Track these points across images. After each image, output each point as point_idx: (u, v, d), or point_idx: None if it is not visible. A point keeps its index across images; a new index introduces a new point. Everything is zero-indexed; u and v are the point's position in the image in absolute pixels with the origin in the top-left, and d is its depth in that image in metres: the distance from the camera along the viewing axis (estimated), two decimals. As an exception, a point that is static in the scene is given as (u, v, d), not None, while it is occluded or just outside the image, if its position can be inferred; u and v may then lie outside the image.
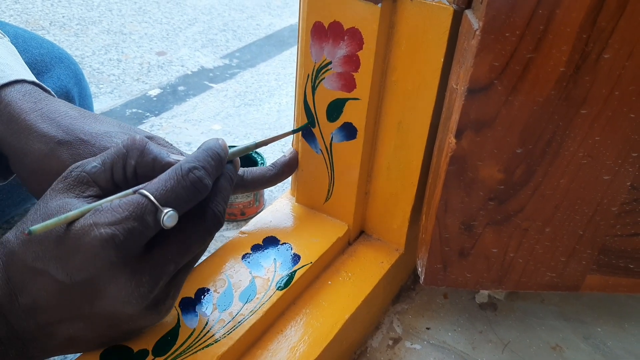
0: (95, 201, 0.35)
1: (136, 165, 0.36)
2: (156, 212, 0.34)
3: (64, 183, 0.35)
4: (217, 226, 0.37)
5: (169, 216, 0.34)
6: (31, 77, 0.44)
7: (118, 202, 0.34)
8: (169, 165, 0.37)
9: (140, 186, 0.35)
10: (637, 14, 0.34)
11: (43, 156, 0.39)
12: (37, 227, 0.32)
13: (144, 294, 0.34)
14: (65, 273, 0.33)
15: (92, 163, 0.36)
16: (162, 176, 0.35)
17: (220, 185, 0.38)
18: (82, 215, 0.33)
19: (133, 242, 0.33)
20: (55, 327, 0.36)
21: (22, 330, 0.35)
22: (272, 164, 0.52)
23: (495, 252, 0.46)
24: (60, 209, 0.34)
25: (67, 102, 0.44)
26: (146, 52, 1.23)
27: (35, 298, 0.34)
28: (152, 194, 0.33)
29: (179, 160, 0.37)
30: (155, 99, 1.05)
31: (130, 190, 0.35)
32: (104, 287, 0.34)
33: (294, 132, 0.51)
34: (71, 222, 0.33)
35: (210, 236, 0.38)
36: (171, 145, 0.44)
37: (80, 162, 0.36)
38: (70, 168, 0.36)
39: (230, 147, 0.41)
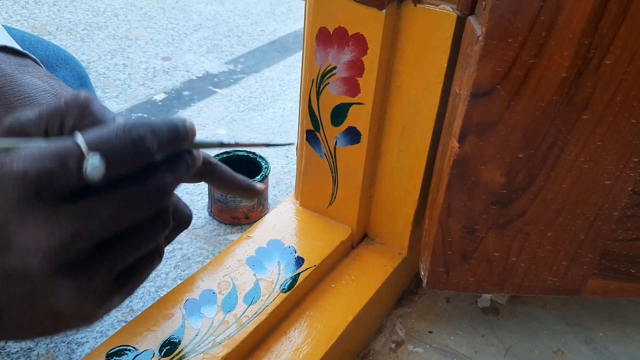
0: None
1: (74, 125, 0.33)
2: (82, 159, 0.29)
3: None
4: (158, 195, 0.32)
5: (92, 164, 0.29)
6: (6, 41, 0.41)
7: (45, 142, 0.29)
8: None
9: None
10: (638, 21, 0.34)
11: None
12: None
13: (54, 249, 0.29)
14: None
15: (28, 114, 0.32)
16: (101, 127, 0.30)
17: (172, 160, 0.33)
18: (2, 150, 0.30)
19: (48, 184, 0.29)
20: None
21: None
22: (245, 179, 0.48)
23: (497, 256, 0.47)
24: None
25: (36, 77, 0.40)
26: (152, 57, 1.24)
27: None
28: (84, 140, 0.29)
29: None
30: (160, 103, 1.06)
31: (67, 137, 0.30)
32: (12, 233, 0.29)
33: (268, 145, 0.48)
34: None
35: (149, 205, 0.32)
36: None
37: (17, 114, 0.33)
38: (6, 118, 0.33)
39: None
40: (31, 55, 0.41)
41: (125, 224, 0.32)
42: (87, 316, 0.34)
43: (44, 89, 0.39)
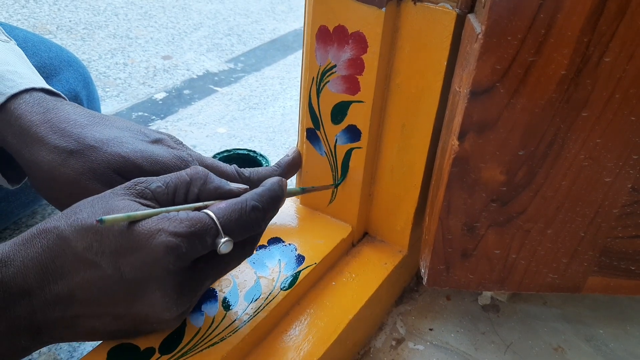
0: None
1: (199, 193, 0.39)
2: (217, 236, 0.36)
3: (126, 191, 0.37)
4: (250, 255, 0.41)
5: (225, 244, 0.36)
6: (40, 82, 0.45)
7: (185, 214, 0.36)
8: (230, 193, 0.40)
9: (203, 204, 0.38)
10: (637, 18, 0.35)
11: (55, 166, 0.40)
12: (108, 217, 0.33)
13: (182, 303, 0.37)
14: (117, 268, 0.34)
15: (157, 183, 0.38)
16: (229, 205, 0.37)
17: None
18: (148, 216, 0.35)
19: (191, 256, 0.35)
20: (80, 320, 0.36)
21: (45, 317, 0.35)
22: (276, 163, 0.53)
23: (497, 254, 0.47)
24: (127, 207, 0.35)
25: (75, 106, 0.44)
26: (152, 56, 1.24)
27: (73, 289, 0.35)
28: (217, 219, 0.36)
29: (239, 189, 0.40)
30: (160, 102, 1.06)
31: (192, 205, 0.37)
32: (151, 290, 0.35)
33: (329, 187, 0.54)
34: (136, 221, 0.34)
35: (241, 262, 0.41)
36: (182, 143, 0.45)
37: (144, 179, 0.38)
38: (133, 181, 0.38)
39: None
40: (62, 94, 0.46)
41: (223, 275, 0.41)
42: (173, 326, 0.41)
43: (82, 113, 0.44)
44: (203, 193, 0.39)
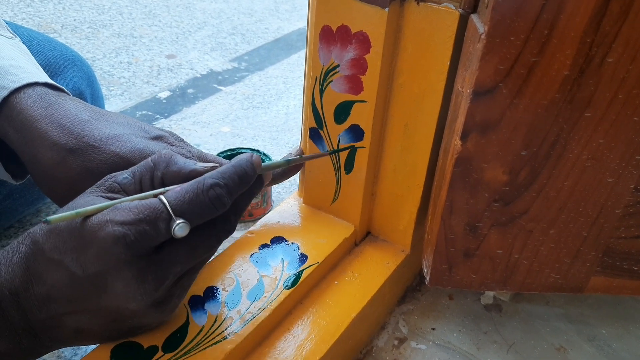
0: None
1: (162, 176, 0.38)
2: (169, 220, 0.35)
3: (95, 188, 0.37)
4: (226, 235, 0.39)
5: (180, 227, 0.35)
6: (43, 76, 0.45)
7: (136, 203, 0.35)
8: (193, 172, 0.38)
9: (161, 190, 0.37)
10: (640, 19, 0.35)
11: (55, 164, 0.41)
12: (53, 217, 0.33)
13: (148, 292, 0.36)
14: (78, 264, 0.34)
15: (124, 174, 0.38)
16: (184, 186, 0.36)
17: (238, 200, 0.39)
18: (99, 210, 0.35)
19: (143, 243, 0.34)
20: (63, 319, 0.37)
21: (35, 319, 0.36)
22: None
23: (500, 254, 0.47)
24: (84, 204, 0.35)
25: (77, 102, 0.44)
26: (156, 55, 1.24)
27: (49, 288, 0.35)
28: (169, 202, 0.35)
29: (205, 169, 0.38)
30: (164, 101, 1.06)
31: (151, 192, 0.37)
32: (111, 282, 0.35)
33: (323, 155, 0.53)
34: (89, 217, 0.34)
35: (218, 244, 0.39)
36: (183, 140, 0.45)
37: (113, 174, 0.38)
38: (104, 178, 0.38)
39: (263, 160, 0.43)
40: (65, 89, 0.46)
41: (199, 260, 0.39)
42: (159, 324, 0.42)
43: (84, 109, 0.44)
44: (167, 176, 0.38)
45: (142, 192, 0.37)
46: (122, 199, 0.36)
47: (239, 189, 0.38)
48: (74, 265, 0.34)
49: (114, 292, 0.35)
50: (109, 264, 0.34)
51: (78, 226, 0.34)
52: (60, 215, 0.34)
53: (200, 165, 0.38)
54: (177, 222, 0.34)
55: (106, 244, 0.33)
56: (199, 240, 0.37)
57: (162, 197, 0.35)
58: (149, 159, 0.38)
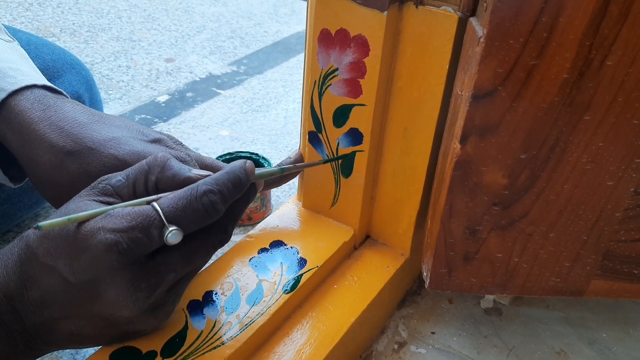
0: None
1: (157, 180, 0.37)
2: (162, 227, 0.34)
3: (89, 191, 0.37)
4: (222, 243, 0.39)
5: (172, 234, 0.34)
6: (41, 79, 0.45)
7: (129, 210, 0.35)
8: (188, 180, 0.37)
9: (155, 197, 0.36)
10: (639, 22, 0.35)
11: (53, 167, 0.40)
12: (45, 222, 0.33)
13: (141, 300, 0.35)
14: (71, 271, 0.34)
15: (118, 177, 0.37)
16: (178, 193, 0.36)
17: (233, 207, 0.39)
18: (92, 217, 0.34)
19: (135, 251, 0.34)
20: (57, 323, 0.37)
21: (30, 323, 0.36)
22: (278, 164, 0.53)
23: (499, 257, 0.47)
24: (77, 209, 0.35)
25: (76, 104, 0.44)
26: (155, 58, 1.24)
27: (43, 293, 0.35)
28: (162, 209, 0.35)
29: (199, 177, 0.37)
30: (163, 105, 1.06)
31: (144, 199, 0.36)
32: (103, 289, 0.35)
33: (317, 163, 0.52)
34: (82, 223, 0.34)
35: (213, 251, 0.39)
36: (181, 143, 0.45)
37: (107, 176, 0.37)
38: (98, 180, 0.37)
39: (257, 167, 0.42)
40: (63, 92, 0.46)
41: (193, 267, 0.38)
42: (154, 329, 0.42)
43: (82, 111, 0.44)
44: (161, 181, 0.37)
45: (135, 195, 0.37)
46: (115, 206, 0.35)
47: (232, 196, 0.38)
48: (67, 272, 0.34)
49: (107, 298, 0.35)
50: (102, 271, 0.34)
51: (71, 232, 0.34)
52: (52, 221, 0.33)
53: (195, 172, 0.38)
54: (170, 229, 0.34)
55: (98, 251, 0.33)
56: (194, 248, 0.37)
57: (155, 204, 0.35)
58: (143, 162, 0.38)
